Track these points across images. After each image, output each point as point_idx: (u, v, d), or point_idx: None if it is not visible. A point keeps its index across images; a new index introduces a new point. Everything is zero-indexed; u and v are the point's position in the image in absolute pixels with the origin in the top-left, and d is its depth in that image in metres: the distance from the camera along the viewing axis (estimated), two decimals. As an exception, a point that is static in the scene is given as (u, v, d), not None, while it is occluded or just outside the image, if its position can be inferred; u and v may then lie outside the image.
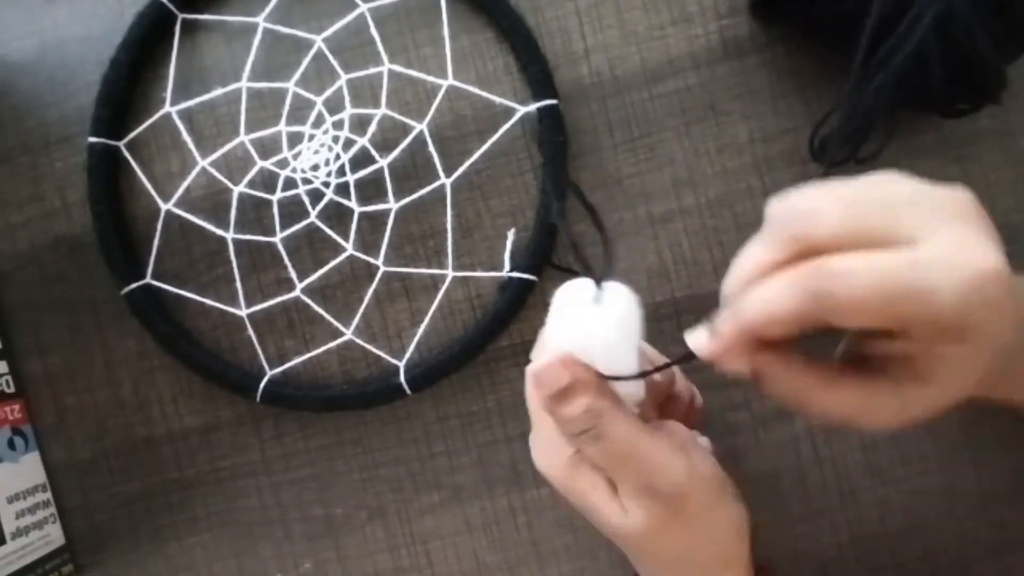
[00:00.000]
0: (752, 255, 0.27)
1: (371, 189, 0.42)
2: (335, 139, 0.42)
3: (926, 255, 0.24)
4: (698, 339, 0.28)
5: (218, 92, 0.42)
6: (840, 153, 0.37)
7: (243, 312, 0.43)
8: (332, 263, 0.43)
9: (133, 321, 0.43)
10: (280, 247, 0.42)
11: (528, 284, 0.42)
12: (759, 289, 0.26)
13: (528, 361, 0.28)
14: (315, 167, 0.42)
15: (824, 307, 0.24)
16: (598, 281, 0.29)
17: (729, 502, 0.32)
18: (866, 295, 0.24)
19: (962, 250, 0.24)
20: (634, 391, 0.30)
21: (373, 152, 0.42)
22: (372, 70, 0.42)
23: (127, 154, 0.43)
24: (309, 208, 0.42)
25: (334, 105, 0.42)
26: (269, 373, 0.43)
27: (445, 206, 0.42)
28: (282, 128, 0.42)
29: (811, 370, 0.27)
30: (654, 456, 0.29)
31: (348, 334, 0.43)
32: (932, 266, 0.23)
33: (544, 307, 0.42)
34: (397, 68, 0.42)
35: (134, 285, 0.42)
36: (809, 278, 0.25)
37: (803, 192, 0.26)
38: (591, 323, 0.28)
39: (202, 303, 0.43)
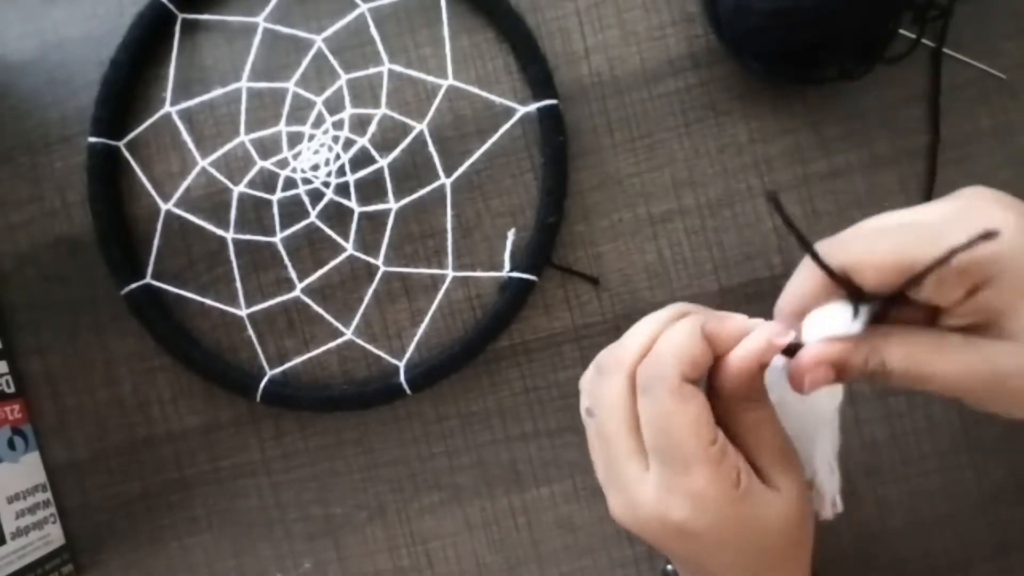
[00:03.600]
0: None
1: (371, 189, 0.42)
2: (335, 139, 0.42)
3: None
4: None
5: (218, 92, 0.42)
6: None
7: (243, 312, 0.43)
8: (332, 263, 0.43)
9: (133, 321, 0.43)
10: (280, 247, 0.42)
11: (528, 284, 0.42)
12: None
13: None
14: (315, 167, 0.42)
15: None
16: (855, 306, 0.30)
17: None
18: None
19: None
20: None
21: (373, 152, 0.42)
22: (372, 70, 0.42)
23: (127, 154, 0.43)
24: (309, 208, 0.42)
25: (334, 105, 0.42)
26: (269, 373, 0.43)
27: (445, 206, 0.42)
28: (282, 128, 0.42)
29: (923, 334, 0.28)
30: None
31: (348, 334, 0.43)
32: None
33: (544, 307, 0.43)
34: (397, 68, 0.42)
35: (134, 285, 0.42)
36: None
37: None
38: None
39: (202, 303, 0.43)
